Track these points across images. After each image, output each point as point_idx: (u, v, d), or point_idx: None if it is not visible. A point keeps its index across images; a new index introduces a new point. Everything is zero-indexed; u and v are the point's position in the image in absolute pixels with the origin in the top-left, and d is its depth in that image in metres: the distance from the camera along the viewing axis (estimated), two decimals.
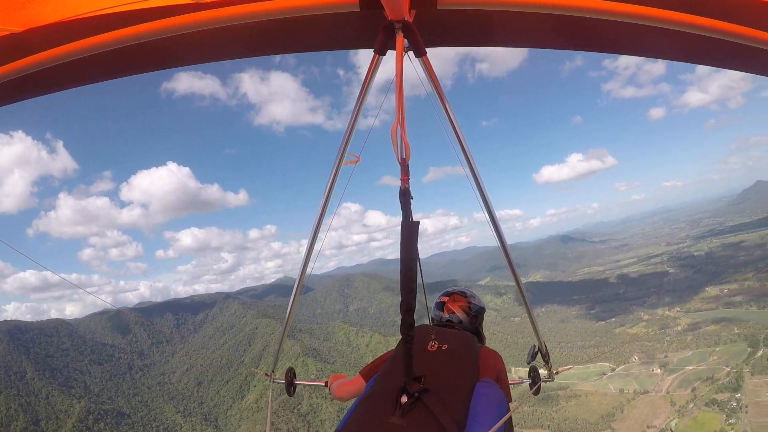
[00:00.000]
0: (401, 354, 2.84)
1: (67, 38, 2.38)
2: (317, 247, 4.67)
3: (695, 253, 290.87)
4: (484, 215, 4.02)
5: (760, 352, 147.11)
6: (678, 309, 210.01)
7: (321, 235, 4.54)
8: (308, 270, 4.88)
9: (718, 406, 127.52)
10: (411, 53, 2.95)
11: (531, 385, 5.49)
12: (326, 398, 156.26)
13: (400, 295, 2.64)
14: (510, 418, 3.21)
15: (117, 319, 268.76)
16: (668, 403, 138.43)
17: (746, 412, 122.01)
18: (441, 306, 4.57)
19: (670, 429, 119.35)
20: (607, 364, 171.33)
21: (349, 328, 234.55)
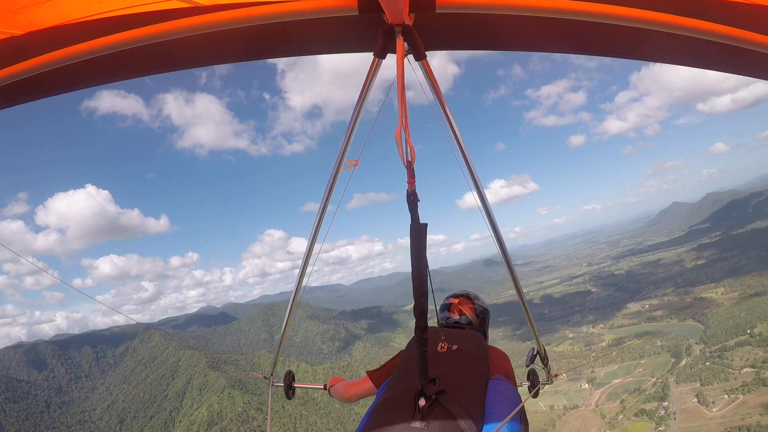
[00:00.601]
0: (416, 357, 2.89)
1: (67, 42, 2.40)
2: (316, 252, 4.80)
3: (616, 272, 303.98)
4: (483, 220, 4.12)
5: (683, 362, 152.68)
6: (602, 326, 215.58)
7: (322, 237, 4.65)
8: (306, 279, 5.06)
9: (647, 416, 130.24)
10: (410, 57, 2.97)
11: (530, 388, 5.61)
12: None
13: (413, 298, 2.73)
14: (525, 415, 3.28)
15: (33, 352, 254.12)
16: (598, 416, 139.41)
17: (675, 419, 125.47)
18: (448, 308, 4.56)
19: None
20: None
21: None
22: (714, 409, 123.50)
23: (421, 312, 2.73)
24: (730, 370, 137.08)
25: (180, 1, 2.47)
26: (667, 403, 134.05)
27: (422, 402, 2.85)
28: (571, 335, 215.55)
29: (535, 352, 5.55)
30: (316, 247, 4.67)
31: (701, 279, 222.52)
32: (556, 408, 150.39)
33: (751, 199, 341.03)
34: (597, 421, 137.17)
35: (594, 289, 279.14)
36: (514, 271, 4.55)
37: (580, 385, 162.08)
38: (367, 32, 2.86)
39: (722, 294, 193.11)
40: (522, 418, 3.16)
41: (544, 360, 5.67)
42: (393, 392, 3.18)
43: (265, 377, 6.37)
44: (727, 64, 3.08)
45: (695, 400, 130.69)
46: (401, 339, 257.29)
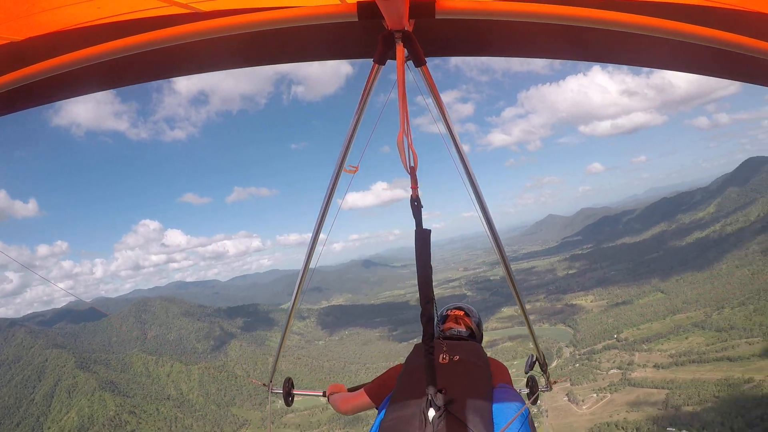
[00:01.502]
0: (420, 368, 3.02)
1: (66, 48, 2.40)
2: (314, 259, 4.93)
3: (491, 278, 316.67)
4: (484, 230, 4.28)
5: (554, 363, 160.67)
6: None
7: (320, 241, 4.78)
8: (306, 280, 5.15)
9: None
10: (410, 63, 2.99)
11: (529, 395, 5.74)
12: None
13: (420, 305, 2.76)
14: (533, 421, 3.40)
15: None
16: None
17: (547, 416, 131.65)
18: (446, 319, 4.69)
19: None
20: None
21: (148, 357, 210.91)
22: (584, 407, 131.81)
23: (428, 319, 2.73)
24: (598, 371, 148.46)
25: (179, 7, 2.50)
26: (539, 401, 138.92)
27: (432, 413, 2.85)
28: None
29: (534, 359, 5.60)
30: (318, 250, 4.78)
31: (572, 287, 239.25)
32: None
33: (622, 216, 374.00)
34: None
35: (469, 293, 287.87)
36: (514, 279, 4.72)
37: None
38: (367, 38, 2.86)
39: (591, 302, 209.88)
40: (530, 424, 3.26)
41: (543, 367, 5.76)
42: (400, 405, 3.16)
43: (264, 384, 6.37)
44: (726, 71, 3.10)
45: (566, 398, 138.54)
46: (277, 338, 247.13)
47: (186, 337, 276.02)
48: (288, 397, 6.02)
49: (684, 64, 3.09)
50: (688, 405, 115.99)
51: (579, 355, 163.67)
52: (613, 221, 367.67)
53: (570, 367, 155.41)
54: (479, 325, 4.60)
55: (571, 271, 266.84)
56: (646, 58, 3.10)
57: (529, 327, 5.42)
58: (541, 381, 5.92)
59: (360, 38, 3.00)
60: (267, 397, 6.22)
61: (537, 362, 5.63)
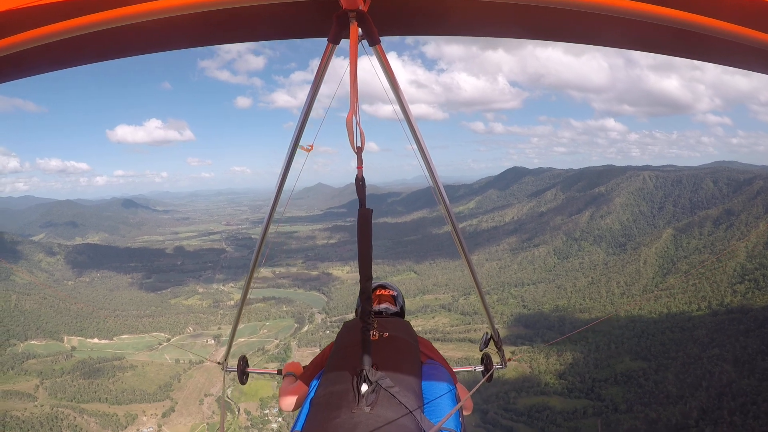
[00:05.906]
0: (354, 344, 3.18)
1: (16, 28, 2.29)
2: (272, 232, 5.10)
3: (252, 236, 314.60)
4: (437, 200, 4.24)
5: (305, 328, 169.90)
6: (231, 285, 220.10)
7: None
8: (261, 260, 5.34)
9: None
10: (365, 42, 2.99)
11: (483, 373, 5.77)
12: None
13: (360, 283, 2.93)
14: (459, 397, 3.61)
15: None
16: (222, 371, 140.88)
17: None
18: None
19: (226, 396, 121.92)
20: (162, 334, 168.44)
21: None
22: None
23: (367, 297, 2.91)
24: None
25: None
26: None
27: (365, 387, 2.94)
28: (201, 290, 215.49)
29: (489, 337, 5.83)
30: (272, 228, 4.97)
31: (330, 256, 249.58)
32: (181, 362, 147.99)
33: (388, 197, 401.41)
34: (221, 377, 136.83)
35: (229, 249, 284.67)
36: (470, 258, 4.83)
37: (206, 341, 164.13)
38: (322, 17, 2.83)
39: (347, 273, 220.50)
40: (457, 399, 3.48)
41: (498, 344, 5.94)
42: (332, 381, 3.23)
43: (218, 363, 6.61)
44: (676, 49, 3.08)
45: None
46: (25, 274, 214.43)
47: None
48: (242, 375, 6.10)
49: (637, 42, 3.10)
50: None
51: (330, 321, 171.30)
52: (378, 200, 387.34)
53: (321, 333, 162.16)
54: (403, 303, 4.87)
55: (331, 241, 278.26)
56: (601, 36, 3.05)
57: (485, 307, 5.53)
58: (496, 358, 6.03)
59: (316, 17, 2.89)
60: None
61: (492, 340, 5.86)
